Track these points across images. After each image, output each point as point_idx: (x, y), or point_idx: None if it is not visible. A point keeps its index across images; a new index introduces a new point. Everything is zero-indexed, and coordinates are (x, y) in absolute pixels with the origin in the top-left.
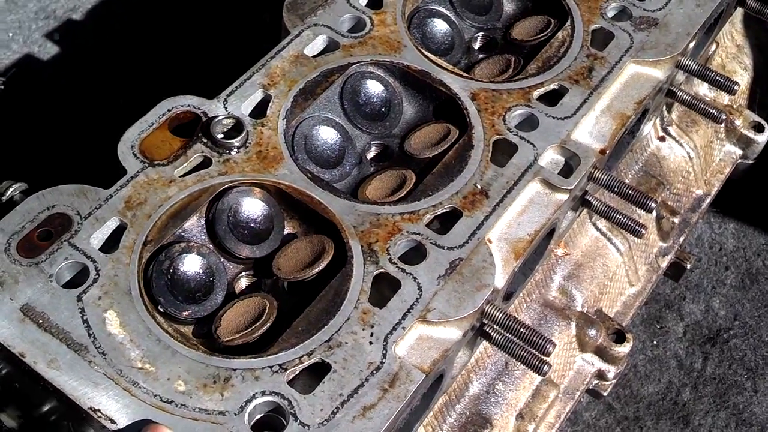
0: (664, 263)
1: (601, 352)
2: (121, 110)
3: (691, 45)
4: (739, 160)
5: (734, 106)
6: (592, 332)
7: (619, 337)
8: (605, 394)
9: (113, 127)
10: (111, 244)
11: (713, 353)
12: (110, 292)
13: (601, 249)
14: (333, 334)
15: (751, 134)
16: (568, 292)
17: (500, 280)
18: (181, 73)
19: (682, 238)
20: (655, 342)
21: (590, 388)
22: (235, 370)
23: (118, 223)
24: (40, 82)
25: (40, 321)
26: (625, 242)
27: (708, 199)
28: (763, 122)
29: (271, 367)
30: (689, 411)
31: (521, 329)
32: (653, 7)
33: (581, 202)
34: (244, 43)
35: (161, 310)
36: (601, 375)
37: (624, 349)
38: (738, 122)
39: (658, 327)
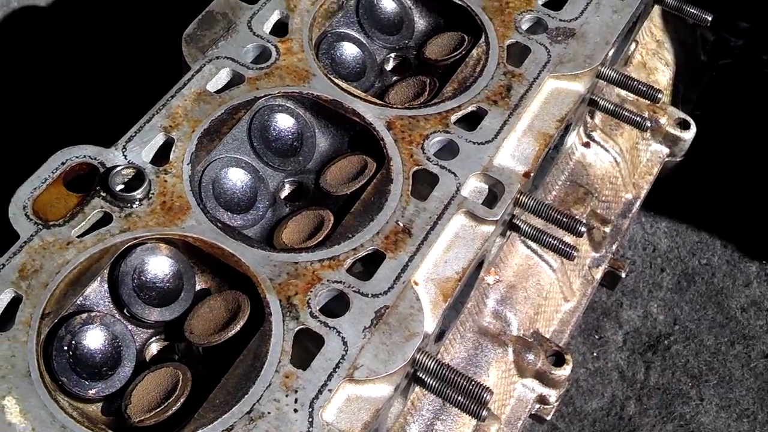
0: (599, 274)
1: (541, 377)
2: (12, 165)
3: (611, 53)
4: (667, 159)
5: (658, 104)
6: (530, 357)
7: (559, 360)
8: (548, 418)
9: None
10: (6, 321)
11: (655, 361)
12: (7, 376)
13: (533, 267)
14: (254, 404)
15: (677, 132)
16: (502, 316)
17: (430, 324)
18: (75, 119)
19: (614, 246)
20: (595, 354)
21: (533, 413)
22: None
23: (13, 296)
24: None
25: None
26: (557, 258)
27: (638, 203)
28: (688, 119)
29: None
30: (635, 425)
31: (456, 378)
32: (569, 17)
33: (509, 226)
34: (143, 80)
35: (66, 389)
36: (542, 399)
37: (564, 372)
38: (663, 120)
39: (597, 337)
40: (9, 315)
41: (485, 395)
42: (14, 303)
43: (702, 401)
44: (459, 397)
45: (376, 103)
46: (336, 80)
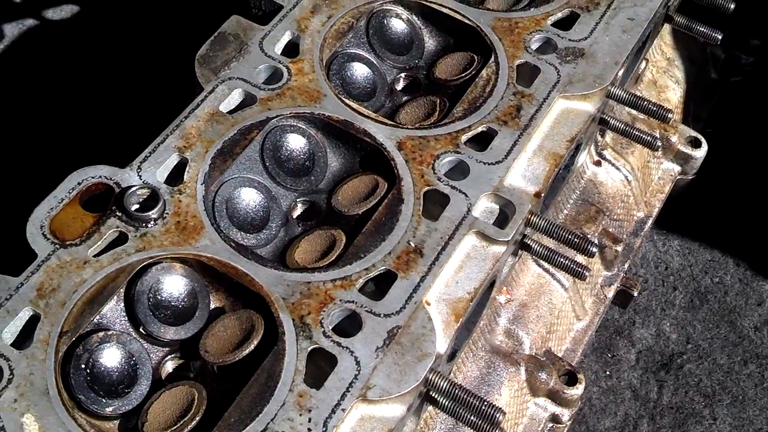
0: (611, 293)
1: (554, 396)
2: (28, 185)
3: (620, 73)
4: (679, 177)
5: (668, 123)
6: (543, 376)
7: (571, 379)
8: None
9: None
10: (24, 339)
11: (668, 380)
12: (26, 394)
13: (544, 286)
14: (268, 423)
15: (688, 150)
16: (514, 335)
17: (442, 344)
18: (90, 140)
19: (626, 265)
20: (608, 372)
21: None
22: None
23: (31, 314)
24: None
25: None
26: (569, 277)
27: (650, 221)
28: (699, 137)
29: None
30: None
31: (468, 398)
32: (578, 37)
33: (520, 245)
34: (157, 101)
35: (83, 406)
36: (555, 418)
37: (577, 391)
38: (674, 138)
39: (609, 356)
40: (27, 333)
41: (497, 416)
42: (33, 321)
43: (715, 421)
44: (471, 417)
45: (386, 124)
46: (347, 100)
